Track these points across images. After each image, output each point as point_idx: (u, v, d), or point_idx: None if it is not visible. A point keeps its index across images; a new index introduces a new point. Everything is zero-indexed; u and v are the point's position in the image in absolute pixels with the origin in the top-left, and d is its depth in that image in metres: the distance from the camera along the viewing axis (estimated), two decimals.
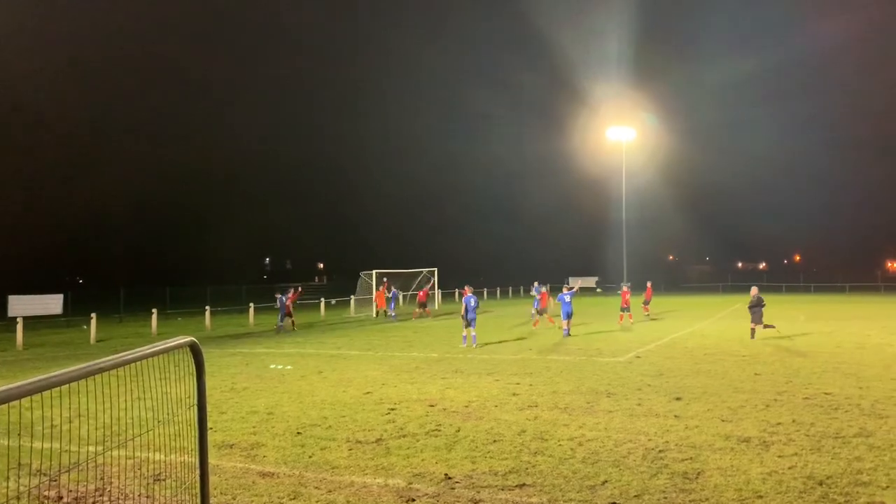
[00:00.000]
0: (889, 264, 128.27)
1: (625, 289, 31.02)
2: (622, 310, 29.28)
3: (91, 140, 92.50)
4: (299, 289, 34.57)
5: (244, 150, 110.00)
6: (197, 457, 4.03)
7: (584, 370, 15.22)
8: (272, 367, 16.58)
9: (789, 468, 7.35)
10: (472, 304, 20.87)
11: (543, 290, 28.12)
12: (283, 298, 28.83)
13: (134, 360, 3.26)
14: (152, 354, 3.48)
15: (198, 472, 4.02)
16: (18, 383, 2.63)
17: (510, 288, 67.34)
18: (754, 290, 22.18)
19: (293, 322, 29.26)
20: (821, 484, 6.80)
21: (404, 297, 48.62)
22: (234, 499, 6.82)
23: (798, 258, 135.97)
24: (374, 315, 36.99)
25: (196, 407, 3.99)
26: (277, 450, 8.71)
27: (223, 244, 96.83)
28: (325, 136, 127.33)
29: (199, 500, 4.06)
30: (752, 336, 21.15)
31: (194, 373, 4.06)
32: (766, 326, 21.38)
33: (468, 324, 20.68)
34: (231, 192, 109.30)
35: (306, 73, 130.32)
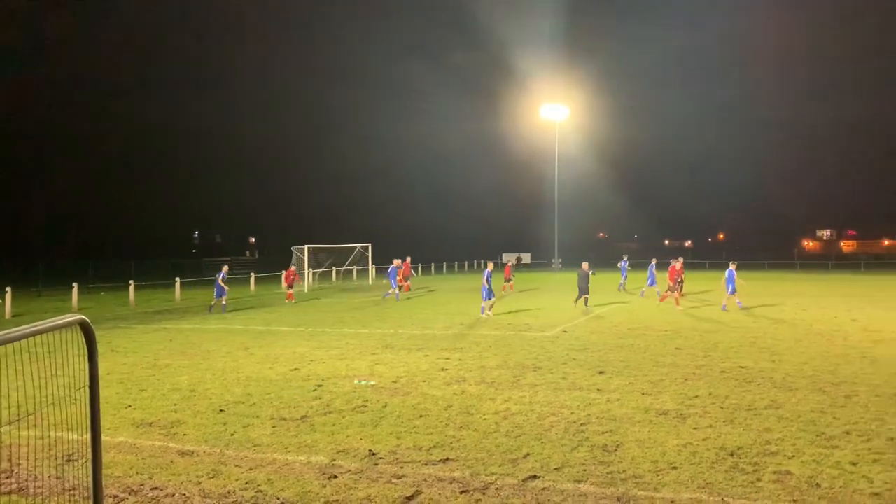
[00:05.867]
0: (805, 243, 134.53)
1: (675, 264, 26.82)
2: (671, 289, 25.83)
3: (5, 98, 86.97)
4: (407, 260, 34.48)
5: (170, 121, 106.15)
6: (89, 444, 3.84)
7: (513, 345, 15.41)
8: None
9: (703, 440, 7.62)
10: (486, 276, 22.48)
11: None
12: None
13: (17, 339, 3.06)
14: (36, 333, 3.27)
15: (90, 459, 3.83)
16: None
17: (444, 264, 67.57)
18: (585, 265, 24.57)
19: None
20: (732, 454, 7.07)
21: (338, 272, 48.23)
22: (150, 478, 6.64)
23: (722, 236, 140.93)
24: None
25: (88, 388, 3.78)
26: (198, 428, 8.53)
27: (149, 216, 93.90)
28: (254, 110, 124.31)
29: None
30: (586, 304, 24.09)
31: (86, 353, 3.85)
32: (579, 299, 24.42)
33: (485, 296, 22.50)
34: (157, 162, 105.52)
35: (235, 47, 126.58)
